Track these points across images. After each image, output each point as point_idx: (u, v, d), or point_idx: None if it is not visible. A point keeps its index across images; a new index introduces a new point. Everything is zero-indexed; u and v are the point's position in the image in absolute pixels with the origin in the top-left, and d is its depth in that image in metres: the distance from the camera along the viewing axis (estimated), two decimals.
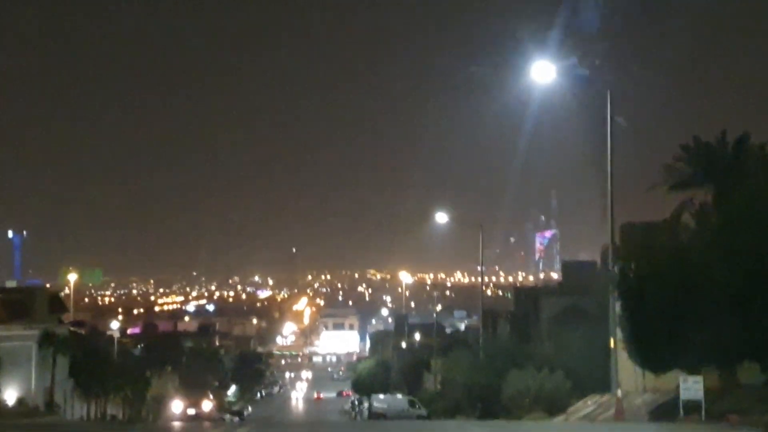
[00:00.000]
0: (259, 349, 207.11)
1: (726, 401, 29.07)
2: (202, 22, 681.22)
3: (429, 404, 65.60)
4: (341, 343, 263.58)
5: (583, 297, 55.65)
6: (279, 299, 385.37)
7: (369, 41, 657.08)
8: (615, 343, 33.48)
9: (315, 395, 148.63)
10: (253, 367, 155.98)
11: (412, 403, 62.48)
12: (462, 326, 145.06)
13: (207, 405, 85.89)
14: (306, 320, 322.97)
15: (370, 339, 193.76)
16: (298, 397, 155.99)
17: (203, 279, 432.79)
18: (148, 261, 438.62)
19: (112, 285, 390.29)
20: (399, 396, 68.71)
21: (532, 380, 45.84)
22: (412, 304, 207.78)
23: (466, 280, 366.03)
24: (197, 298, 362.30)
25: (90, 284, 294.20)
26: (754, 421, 25.18)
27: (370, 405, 63.63)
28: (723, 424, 26.13)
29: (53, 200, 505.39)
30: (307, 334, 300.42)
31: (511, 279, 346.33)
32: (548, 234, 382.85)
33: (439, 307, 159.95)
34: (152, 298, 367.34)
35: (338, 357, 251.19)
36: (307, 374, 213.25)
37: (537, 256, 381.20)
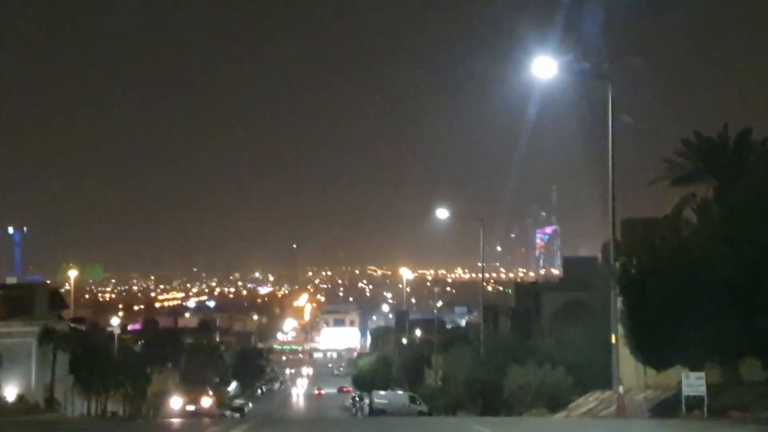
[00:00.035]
0: (260, 346, 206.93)
1: (727, 397, 28.99)
2: (201, 20, 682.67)
3: (430, 400, 65.52)
4: (342, 339, 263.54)
5: (584, 292, 55.57)
6: (279, 295, 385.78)
7: (369, 37, 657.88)
8: (616, 338, 33.42)
9: (315, 391, 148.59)
10: (254, 364, 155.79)
11: (413, 399, 62.41)
12: (463, 322, 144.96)
13: (206, 401, 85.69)
14: (306, 316, 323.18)
15: (371, 335, 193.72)
16: (298, 393, 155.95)
17: (204, 275, 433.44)
18: (148, 257, 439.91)
19: (113, 281, 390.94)
20: (400, 392, 68.66)
21: (533, 376, 45.75)
22: (413, 300, 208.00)
23: (467, 276, 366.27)
24: (198, 294, 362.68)
25: (90, 280, 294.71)
26: (756, 418, 25.08)
27: (371, 401, 63.55)
28: (725, 421, 26.03)
29: (54, 196, 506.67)
30: (308, 330, 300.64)
31: (511, 275, 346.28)
32: (549, 230, 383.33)
33: (439, 303, 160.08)
34: (153, 294, 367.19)
35: (339, 353, 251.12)
36: (307, 370, 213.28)
37: (537, 252, 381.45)
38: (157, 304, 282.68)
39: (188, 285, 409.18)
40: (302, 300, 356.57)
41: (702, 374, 28.58)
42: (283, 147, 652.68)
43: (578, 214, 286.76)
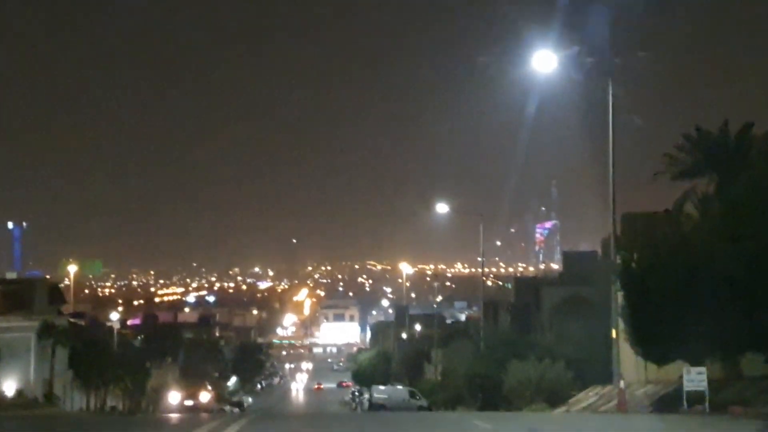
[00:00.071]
0: (260, 340, 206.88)
1: (729, 392, 28.92)
2: (201, 18, 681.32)
3: (430, 395, 65.46)
4: (341, 334, 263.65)
5: (583, 287, 55.54)
6: (279, 290, 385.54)
7: (369, 33, 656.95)
8: (617, 333, 33.35)
9: (315, 386, 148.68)
10: (254, 358, 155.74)
11: (412, 394, 62.33)
12: (462, 317, 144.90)
13: (205, 396, 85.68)
14: (306, 311, 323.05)
15: (371, 330, 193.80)
16: (298, 388, 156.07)
17: (203, 270, 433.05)
18: (148, 252, 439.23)
19: (112, 276, 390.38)
20: (399, 387, 68.58)
21: (533, 371, 45.67)
22: (413, 295, 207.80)
23: (467, 271, 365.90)
24: (197, 289, 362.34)
25: (90, 275, 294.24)
26: (757, 413, 25.00)
27: (371, 396, 63.46)
28: (726, 416, 25.96)
29: (53, 191, 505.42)
30: (308, 325, 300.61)
31: (511, 270, 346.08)
32: (548, 225, 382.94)
33: (439, 298, 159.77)
34: (152, 289, 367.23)
35: (338, 348, 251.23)
36: (307, 365, 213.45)
37: (537, 247, 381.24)
38: (157, 299, 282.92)
39: (188, 280, 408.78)
40: (302, 295, 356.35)
41: (703, 369, 28.50)
42: (283, 143, 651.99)
43: (578, 209, 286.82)
